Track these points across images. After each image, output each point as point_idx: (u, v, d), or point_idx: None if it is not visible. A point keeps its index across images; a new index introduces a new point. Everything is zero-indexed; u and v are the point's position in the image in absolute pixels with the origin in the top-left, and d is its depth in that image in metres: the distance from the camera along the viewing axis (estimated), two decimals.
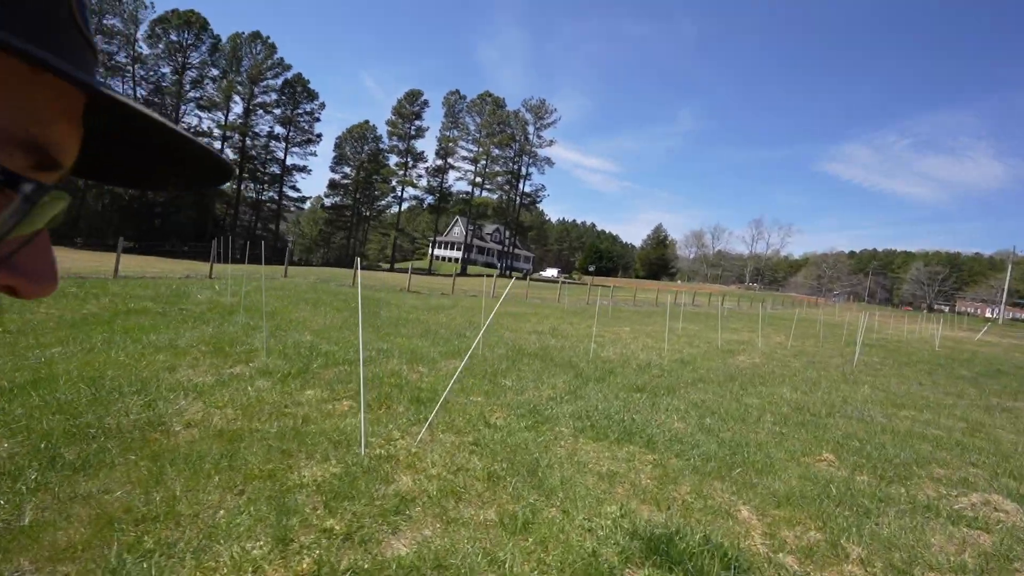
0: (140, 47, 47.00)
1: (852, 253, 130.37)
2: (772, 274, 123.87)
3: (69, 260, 17.00)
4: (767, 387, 8.25)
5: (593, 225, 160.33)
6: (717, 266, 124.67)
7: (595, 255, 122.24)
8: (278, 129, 54.99)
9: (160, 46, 47.12)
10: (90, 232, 47.12)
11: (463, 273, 58.14)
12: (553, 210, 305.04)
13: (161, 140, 0.29)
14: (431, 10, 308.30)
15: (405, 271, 57.19)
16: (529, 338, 10.55)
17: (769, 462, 4.32)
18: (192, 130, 50.80)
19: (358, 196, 59.48)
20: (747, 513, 3.35)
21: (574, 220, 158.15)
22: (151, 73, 47.61)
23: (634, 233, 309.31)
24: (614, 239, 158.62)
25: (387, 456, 3.59)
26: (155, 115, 0.27)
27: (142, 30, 46.50)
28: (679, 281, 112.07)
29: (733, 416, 5.87)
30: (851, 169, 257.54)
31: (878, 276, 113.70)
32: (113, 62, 45.32)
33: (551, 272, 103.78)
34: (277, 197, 56.04)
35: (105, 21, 44.44)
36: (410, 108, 59.43)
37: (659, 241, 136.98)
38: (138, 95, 48.10)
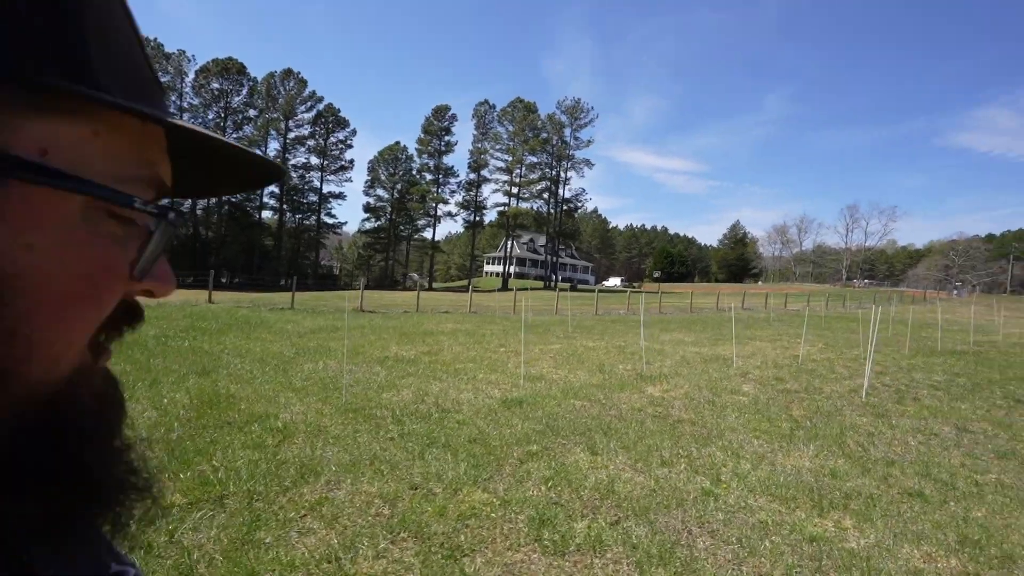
0: (191, 99, 50.80)
1: (990, 236, 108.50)
2: (888, 268, 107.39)
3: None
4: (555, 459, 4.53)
5: (665, 229, 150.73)
6: (811, 263, 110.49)
7: (665, 260, 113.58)
8: (313, 159, 56.64)
9: (205, 94, 50.53)
10: None
11: (503, 288, 55.53)
12: (628, 218, 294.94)
13: (221, 154, 0.33)
14: (491, 27, 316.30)
15: (446, 290, 56.11)
16: (322, 367, 7.51)
17: None
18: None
19: (394, 217, 59.45)
20: None
21: (643, 225, 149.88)
22: (198, 120, 51.12)
23: (716, 234, 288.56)
24: (689, 242, 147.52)
25: None
26: (215, 135, 0.31)
27: (188, 81, 50.23)
28: (760, 282, 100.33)
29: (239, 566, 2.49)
30: (989, 138, 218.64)
31: None
32: None
33: (614, 281, 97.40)
34: (316, 225, 57.52)
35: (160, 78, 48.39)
36: (438, 124, 58.48)
37: (737, 240, 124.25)
38: None
